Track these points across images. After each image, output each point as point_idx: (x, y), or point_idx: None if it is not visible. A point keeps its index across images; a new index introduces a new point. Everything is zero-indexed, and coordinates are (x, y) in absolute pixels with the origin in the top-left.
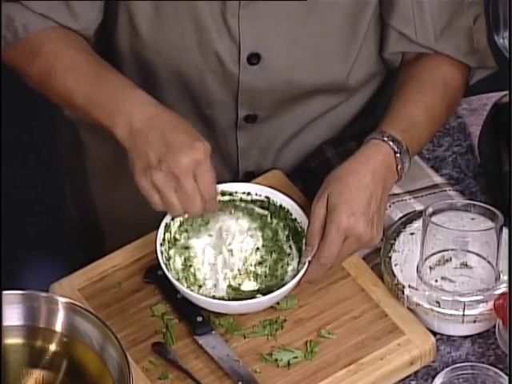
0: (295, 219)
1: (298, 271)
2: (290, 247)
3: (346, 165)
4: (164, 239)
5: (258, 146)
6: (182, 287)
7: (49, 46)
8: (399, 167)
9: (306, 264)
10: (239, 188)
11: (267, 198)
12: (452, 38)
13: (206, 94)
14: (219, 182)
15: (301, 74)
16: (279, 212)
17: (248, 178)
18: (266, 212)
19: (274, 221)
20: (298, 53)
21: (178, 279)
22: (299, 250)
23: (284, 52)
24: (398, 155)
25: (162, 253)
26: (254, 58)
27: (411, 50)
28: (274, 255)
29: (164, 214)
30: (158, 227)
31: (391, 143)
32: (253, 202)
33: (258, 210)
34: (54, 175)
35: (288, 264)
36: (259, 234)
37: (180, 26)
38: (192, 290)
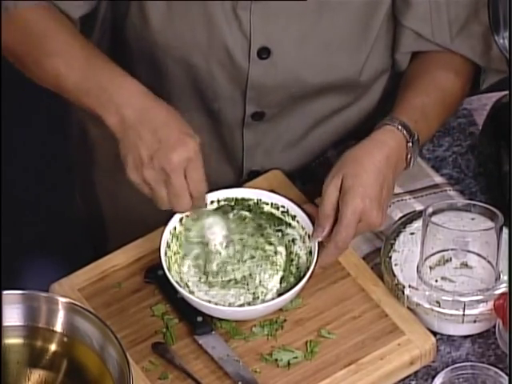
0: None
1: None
2: (293, 253)
3: (360, 146)
4: (168, 244)
5: (263, 145)
6: (182, 289)
7: (40, 26)
8: (409, 156)
9: (307, 276)
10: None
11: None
12: (468, 38)
13: (214, 89)
14: (222, 186)
15: (310, 71)
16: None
17: (252, 176)
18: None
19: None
20: (309, 49)
21: (177, 281)
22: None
23: (294, 48)
24: (410, 144)
25: (165, 254)
26: (264, 53)
27: (426, 49)
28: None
29: (171, 214)
30: (165, 224)
31: (405, 132)
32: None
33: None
34: (56, 176)
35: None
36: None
37: (190, 18)
38: (191, 293)
